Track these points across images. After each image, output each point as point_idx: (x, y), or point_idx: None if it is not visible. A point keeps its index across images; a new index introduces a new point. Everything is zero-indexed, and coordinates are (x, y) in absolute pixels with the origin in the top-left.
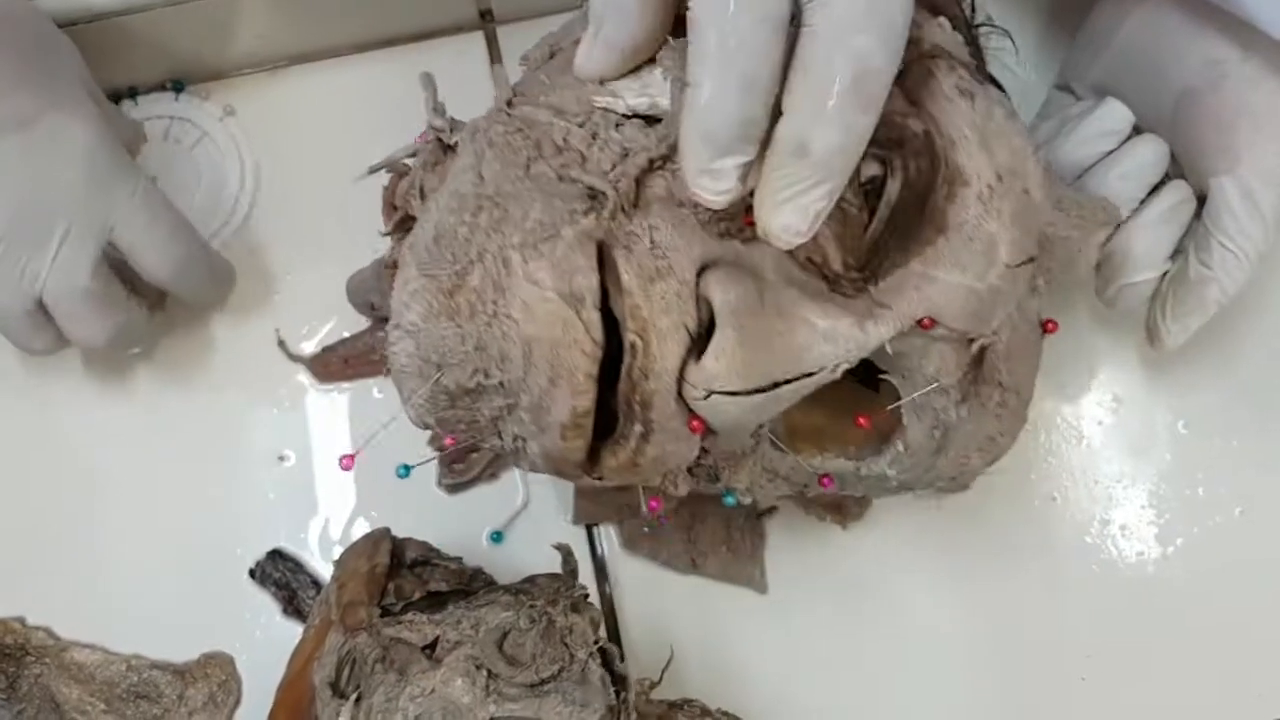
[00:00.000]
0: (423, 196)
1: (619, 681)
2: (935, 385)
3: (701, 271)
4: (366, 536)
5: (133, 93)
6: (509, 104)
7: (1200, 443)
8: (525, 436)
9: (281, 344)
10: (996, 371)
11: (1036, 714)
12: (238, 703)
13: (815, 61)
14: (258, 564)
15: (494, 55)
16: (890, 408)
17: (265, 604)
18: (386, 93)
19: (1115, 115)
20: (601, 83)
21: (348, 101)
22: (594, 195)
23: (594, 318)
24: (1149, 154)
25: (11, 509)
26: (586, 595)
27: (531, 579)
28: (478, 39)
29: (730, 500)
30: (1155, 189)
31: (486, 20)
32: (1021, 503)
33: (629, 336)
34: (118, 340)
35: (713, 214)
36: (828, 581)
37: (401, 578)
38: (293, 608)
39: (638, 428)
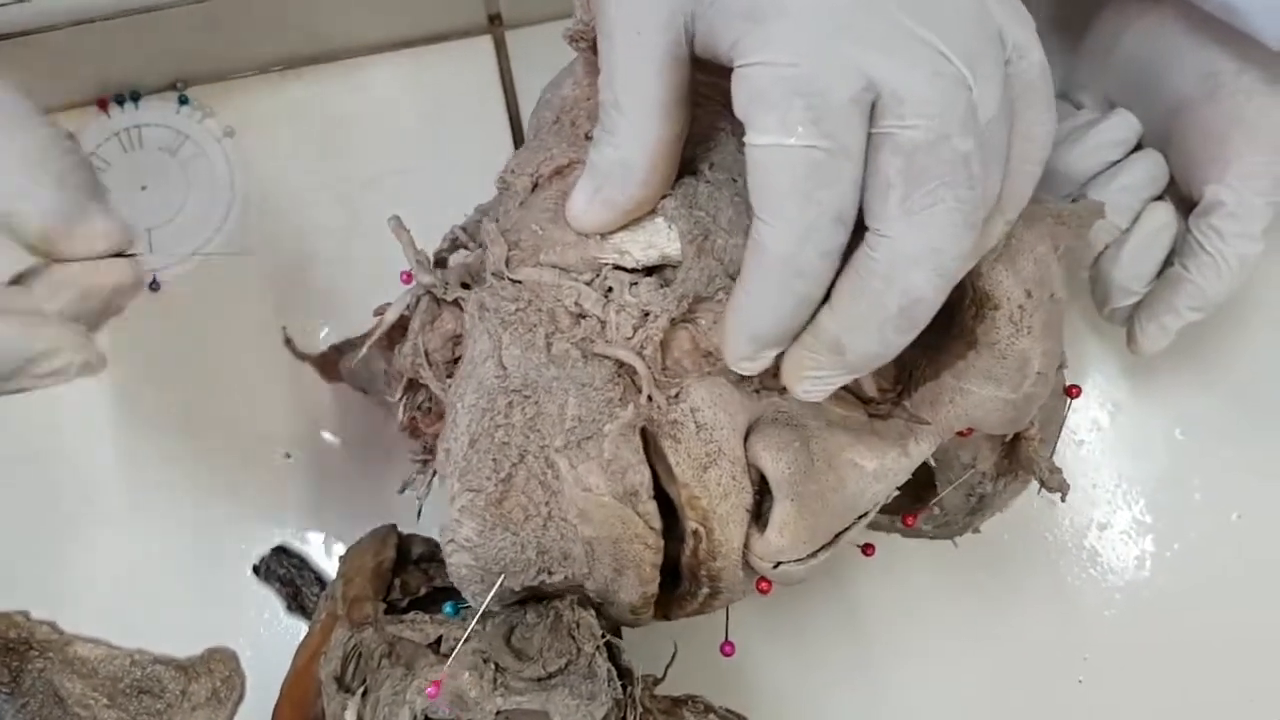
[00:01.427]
0: (429, 362)
1: (625, 675)
2: (971, 471)
3: (746, 435)
4: (373, 533)
5: (135, 96)
6: (507, 263)
7: (1197, 449)
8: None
9: (289, 342)
10: (1029, 456)
11: (1035, 715)
12: (241, 698)
13: (870, 287)
14: (262, 560)
15: (503, 60)
16: (932, 503)
17: (269, 600)
18: (395, 95)
19: (1125, 125)
20: (601, 234)
21: (356, 103)
22: (622, 365)
23: (650, 508)
24: (1151, 168)
25: (16, 503)
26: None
27: None
28: (486, 43)
29: None
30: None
31: (495, 25)
32: (1020, 506)
33: (690, 524)
34: None
35: None
36: (828, 586)
37: (407, 573)
38: (297, 604)
39: (705, 590)
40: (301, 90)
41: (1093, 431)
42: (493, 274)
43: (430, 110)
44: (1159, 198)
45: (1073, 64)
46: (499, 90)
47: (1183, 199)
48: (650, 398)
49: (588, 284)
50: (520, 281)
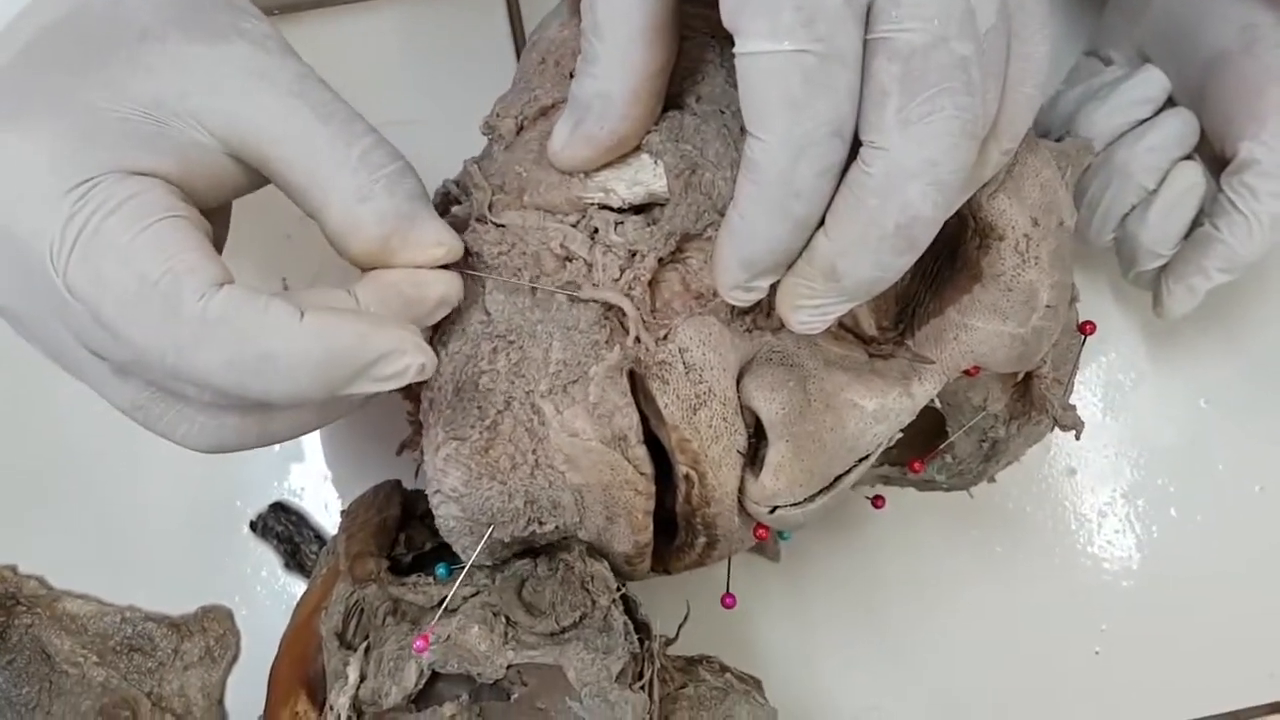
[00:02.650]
0: None
1: (642, 629)
2: (983, 414)
3: (739, 376)
4: (376, 488)
5: None
6: (490, 207)
7: (1221, 419)
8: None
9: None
10: (1041, 394)
11: (1050, 686)
12: (235, 658)
13: (865, 204)
14: (259, 516)
15: (512, 7)
16: (941, 447)
17: (266, 557)
18: (402, 45)
19: (1153, 82)
20: (585, 173)
21: (359, 52)
22: (609, 308)
23: (640, 453)
24: (1180, 126)
25: (7, 455)
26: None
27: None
28: None
29: (787, 538)
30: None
31: None
32: (1040, 475)
33: (681, 469)
34: None
35: (735, 308)
36: (840, 550)
37: (413, 528)
38: (295, 561)
39: (702, 539)
40: (301, 37)
41: (1116, 400)
42: (476, 219)
43: (437, 60)
44: (1188, 157)
45: (1104, 20)
46: (509, 39)
47: (1214, 158)
48: (638, 339)
49: (573, 225)
50: (504, 225)
